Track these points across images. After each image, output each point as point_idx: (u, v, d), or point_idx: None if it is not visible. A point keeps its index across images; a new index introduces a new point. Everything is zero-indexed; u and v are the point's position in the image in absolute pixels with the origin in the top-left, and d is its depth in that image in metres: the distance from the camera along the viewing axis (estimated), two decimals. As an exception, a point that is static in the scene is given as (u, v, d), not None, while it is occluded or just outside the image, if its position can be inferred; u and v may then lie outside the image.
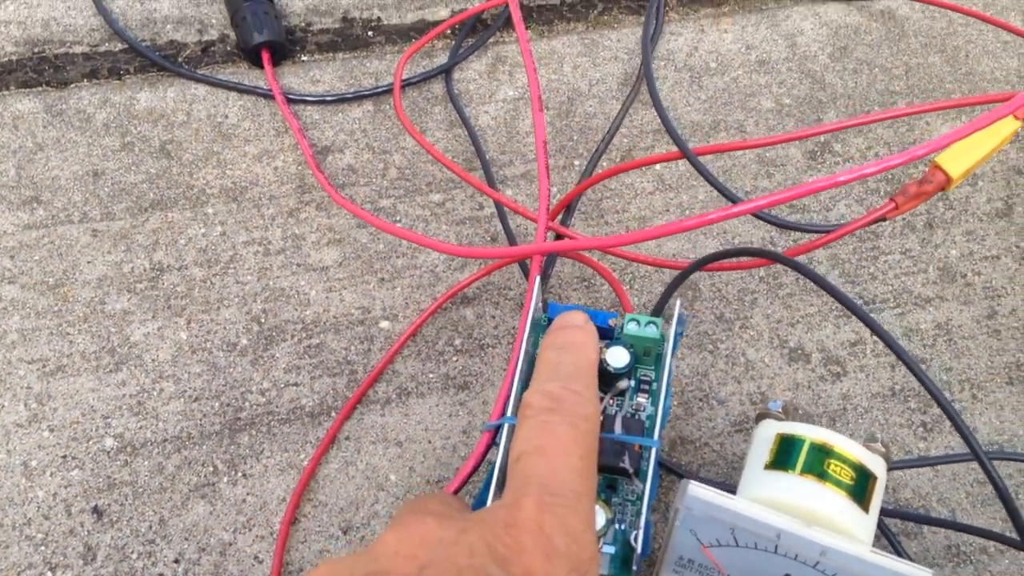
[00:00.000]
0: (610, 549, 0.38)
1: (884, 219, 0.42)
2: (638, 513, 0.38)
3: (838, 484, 0.36)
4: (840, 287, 0.54)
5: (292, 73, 0.62)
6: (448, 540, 0.30)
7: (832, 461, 0.37)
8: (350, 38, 0.65)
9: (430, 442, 0.49)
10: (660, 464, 0.47)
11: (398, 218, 0.56)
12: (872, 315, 0.52)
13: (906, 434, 0.49)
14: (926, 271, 0.55)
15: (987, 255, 0.56)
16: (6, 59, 0.61)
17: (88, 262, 0.53)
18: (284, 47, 0.62)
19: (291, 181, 0.57)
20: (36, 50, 0.62)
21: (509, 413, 0.38)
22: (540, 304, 0.42)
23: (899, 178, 0.59)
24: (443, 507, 0.33)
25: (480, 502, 0.37)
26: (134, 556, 0.45)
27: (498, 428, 0.39)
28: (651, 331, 0.40)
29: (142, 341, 0.51)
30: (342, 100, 0.61)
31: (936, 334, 0.53)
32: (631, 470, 0.37)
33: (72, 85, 0.61)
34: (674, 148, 0.56)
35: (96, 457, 0.47)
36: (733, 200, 0.51)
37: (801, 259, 0.53)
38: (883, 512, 0.42)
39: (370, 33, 0.65)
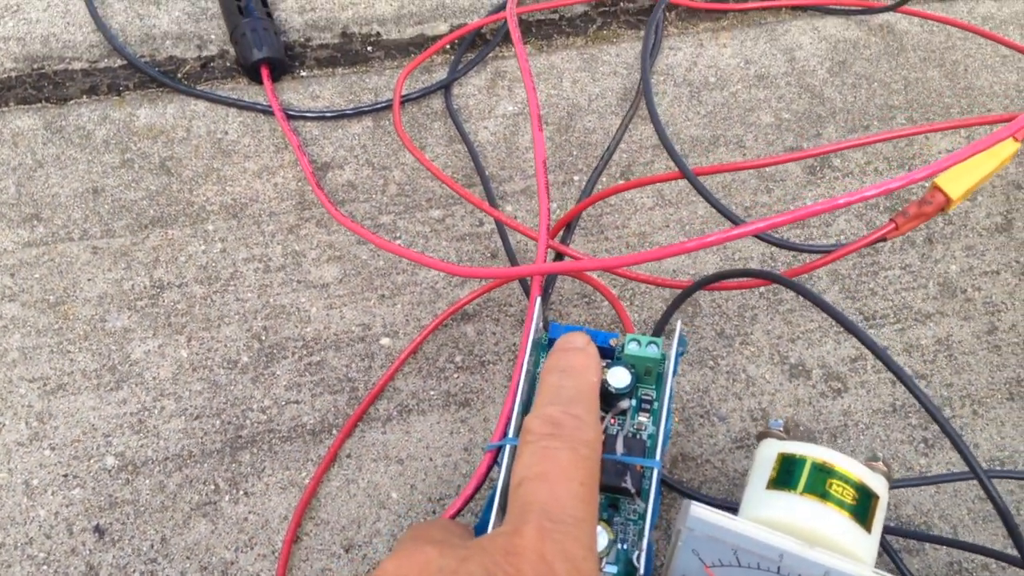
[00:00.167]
0: (612, 569, 0.38)
1: (884, 239, 0.42)
2: (640, 533, 0.38)
3: (840, 504, 0.36)
4: (840, 302, 0.54)
5: (292, 89, 0.62)
6: (448, 569, 0.30)
7: (834, 481, 0.37)
8: (349, 53, 0.65)
9: (431, 460, 0.49)
10: (662, 482, 0.47)
11: (398, 234, 0.56)
12: (872, 331, 0.53)
13: (907, 450, 0.50)
14: (926, 286, 0.55)
15: (987, 270, 0.56)
16: (5, 75, 0.62)
17: (88, 280, 0.53)
18: (283, 63, 0.62)
19: (291, 197, 0.57)
20: (35, 66, 0.62)
21: (511, 434, 0.38)
22: (541, 324, 0.42)
23: (899, 193, 0.59)
24: (444, 534, 0.33)
25: (482, 524, 0.37)
26: (136, 575, 0.45)
27: (499, 449, 0.39)
28: (652, 351, 0.40)
29: (143, 359, 0.51)
30: (342, 116, 0.61)
31: (936, 350, 0.53)
32: (633, 490, 0.37)
33: (72, 101, 0.61)
34: (674, 164, 0.56)
35: (97, 476, 0.47)
36: (733, 220, 0.51)
37: (801, 276, 0.53)
38: (884, 529, 0.42)
39: (369, 48, 0.65)
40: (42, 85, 0.61)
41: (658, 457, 0.38)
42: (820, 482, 0.37)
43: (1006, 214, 0.59)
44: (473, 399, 0.50)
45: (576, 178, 0.59)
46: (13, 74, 0.62)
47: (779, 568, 0.35)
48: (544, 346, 0.43)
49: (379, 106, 0.61)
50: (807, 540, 0.35)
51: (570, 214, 0.52)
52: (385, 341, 0.52)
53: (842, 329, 0.53)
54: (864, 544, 0.36)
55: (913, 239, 0.57)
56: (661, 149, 0.60)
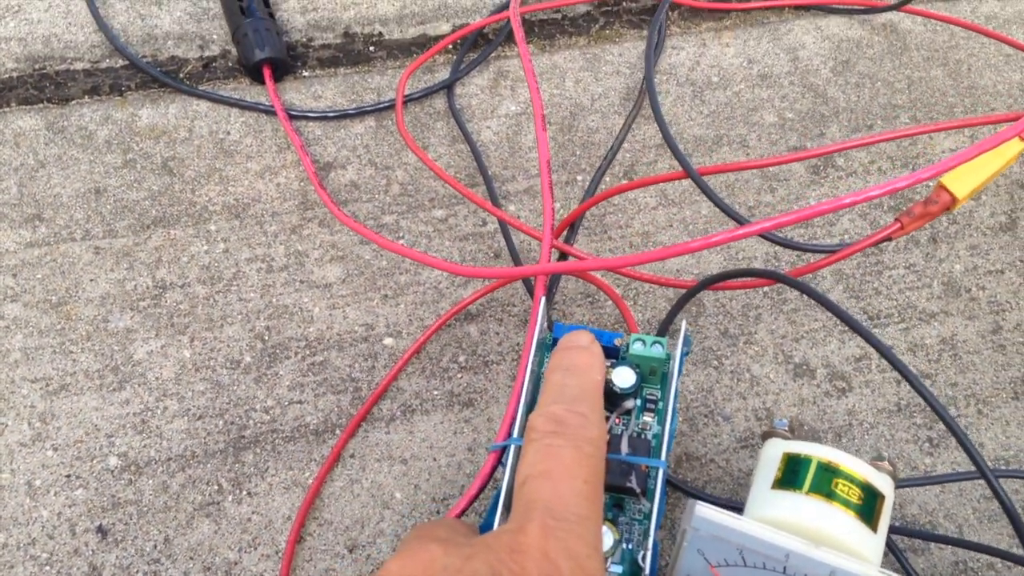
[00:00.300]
0: (617, 569, 0.37)
1: (889, 239, 0.42)
2: (645, 533, 0.38)
3: (846, 504, 0.36)
4: (844, 302, 0.54)
5: (294, 89, 0.62)
6: (453, 567, 0.30)
7: (839, 480, 0.37)
8: (351, 53, 0.65)
9: (435, 460, 0.48)
10: (667, 482, 0.47)
11: (401, 234, 0.56)
12: (876, 331, 0.53)
13: (912, 450, 0.49)
14: (930, 286, 0.55)
15: (991, 269, 0.56)
16: (7, 76, 0.61)
17: (91, 280, 0.53)
18: (285, 63, 0.62)
19: (294, 198, 0.57)
20: (37, 67, 0.62)
21: (515, 434, 0.38)
22: (545, 324, 0.42)
23: (903, 193, 0.59)
24: (449, 533, 0.33)
25: (487, 525, 0.37)
26: (139, 575, 0.45)
27: (504, 449, 0.39)
28: (657, 351, 0.40)
29: (145, 359, 0.51)
30: (344, 116, 0.61)
31: (941, 349, 0.53)
32: (638, 490, 0.37)
33: (73, 102, 0.61)
34: (677, 164, 0.56)
35: (100, 476, 0.47)
36: (738, 220, 0.51)
37: (805, 275, 0.53)
38: (890, 529, 0.42)
39: (371, 48, 0.65)
40: (44, 85, 0.61)
41: (663, 457, 0.38)
42: (826, 482, 0.37)
43: (1010, 213, 0.59)
44: (477, 399, 0.50)
45: (579, 178, 0.59)
46: (15, 74, 0.62)
47: (785, 568, 0.35)
48: (548, 346, 0.43)
49: (381, 106, 0.61)
50: (813, 540, 0.35)
51: (574, 214, 0.51)
52: (388, 341, 0.52)
53: (846, 329, 0.53)
54: (870, 544, 0.36)
55: (917, 238, 0.57)
56: (664, 149, 0.60)
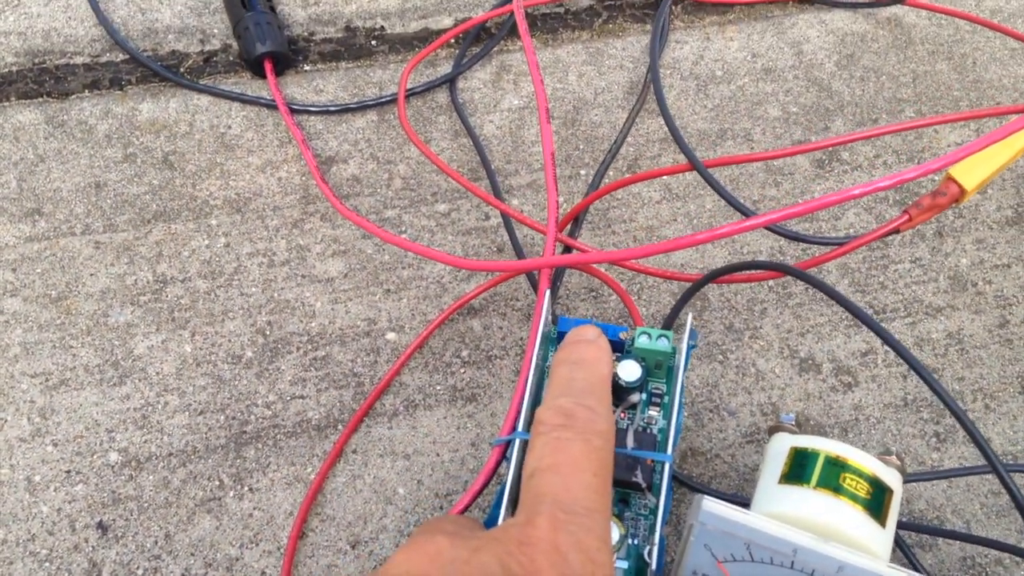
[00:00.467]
0: (623, 564, 0.37)
1: (897, 231, 0.42)
2: (652, 528, 0.38)
3: (854, 498, 0.36)
4: (850, 296, 0.54)
5: (295, 83, 0.62)
6: (460, 559, 0.30)
7: (847, 475, 0.36)
8: (353, 47, 0.64)
9: (438, 455, 0.48)
10: (672, 477, 0.46)
11: (403, 229, 0.55)
12: (883, 325, 0.52)
13: (919, 445, 0.49)
14: (937, 280, 0.55)
15: (998, 263, 0.56)
16: (6, 70, 0.61)
17: (91, 274, 0.53)
18: (287, 57, 0.62)
19: (295, 192, 0.56)
20: (37, 61, 0.62)
21: (520, 428, 0.38)
22: (549, 318, 0.42)
23: (909, 186, 0.59)
24: (456, 527, 0.33)
25: (492, 518, 0.36)
26: (139, 572, 0.44)
27: (508, 444, 0.38)
28: (663, 344, 0.40)
29: (146, 354, 0.50)
30: (346, 110, 0.60)
31: (948, 344, 0.52)
32: (644, 484, 0.37)
33: (73, 96, 0.60)
34: (681, 157, 0.56)
35: (100, 472, 0.47)
36: (744, 213, 0.51)
37: (811, 269, 0.52)
38: (898, 524, 0.42)
39: (373, 42, 0.65)
40: (43, 80, 0.61)
41: (669, 451, 0.38)
42: (833, 476, 0.36)
43: (1017, 207, 0.58)
44: (480, 394, 0.50)
45: (583, 172, 0.58)
46: (14, 68, 0.61)
47: (793, 563, 0.35)
48: (553, 340, 0.43)
49: (383, 100, 0.61)
50: (821, 535, 0.35)
51: (577, 208, 0.51)
52: (391, 336, 0.52)
53: (852, 323, 0.53)
54: (879, 539, 0.35)
55: (923, 232, 0.57)
56: (668, 142, 0.60)
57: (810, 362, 0.51)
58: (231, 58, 0.63)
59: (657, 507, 0.37)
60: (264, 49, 0.60)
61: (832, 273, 0.55)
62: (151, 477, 0.47)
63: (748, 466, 0.48)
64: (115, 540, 0.45)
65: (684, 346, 0.40)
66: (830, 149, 0.60)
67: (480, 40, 0.65)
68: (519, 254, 0.54)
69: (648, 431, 0.39)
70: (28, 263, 0.53)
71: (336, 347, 0.51)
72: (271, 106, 0.60)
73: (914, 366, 0.36)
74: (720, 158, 0.48)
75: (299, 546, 0.45)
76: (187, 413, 0.49)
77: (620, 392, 0.39)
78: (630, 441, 0.38)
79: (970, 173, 0.41)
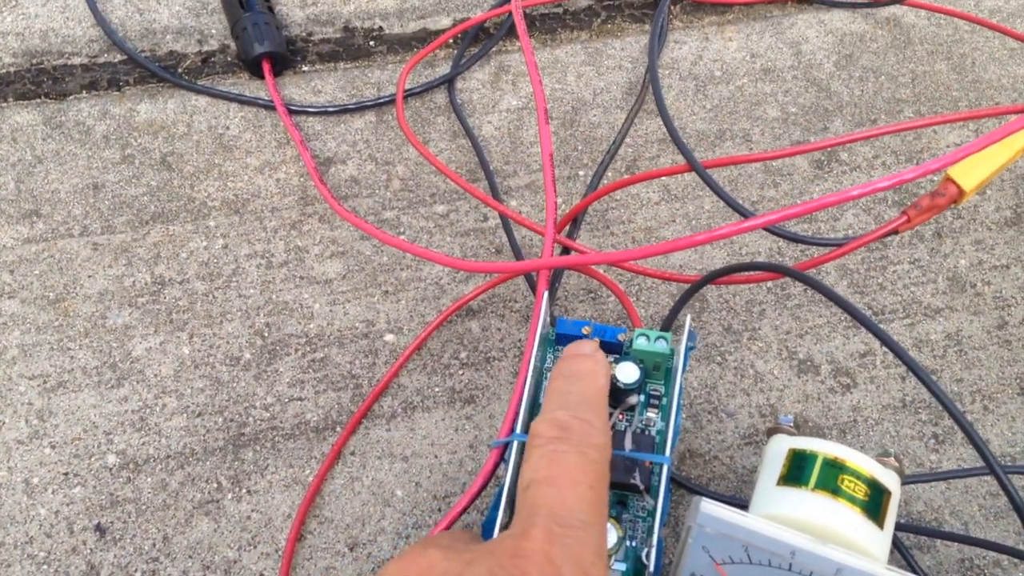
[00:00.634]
0: (621, 567, 0.37)
1: (896, 232, 0.42)
2: (649, 530, 0.38)
3: (852, 500, 0.36)
4: (848, 297, 0.54)
5: (293, 84, 0.62)
6: (453, 571, 0.30)
7: (846, 477, 0.36)
8: (351, 48, 0.64)
9: (436, 457, 0.48)
10: (670, 479, 0.46)
11: (402, 230, 0.55)
12: (881, 326, 0.52)
13: (917, 446, 0.49)
14: (935, 281, 0.55)
15: (996, 264, 0.56)
16: (4, 71, 0.61)
17: (89, 276, 0.53)
18: (285, 57, 0.61)
19: (293, 193, 0.56)
20: (34, 61, 0.62)
21: (518, 430, 0.38)
22: (548, 320, 0.42)
23: (908, 186, 0.59)
24: (451, 541, 0.33)
25: (489, 521, 0.36)
26: (138, 575, 0.44)
27: (506, 445, 0.38)
28: (661, 346, 0.40)
29: (144, 356, 0.50)
30: (344, 111, 0.60)
31: (946, 345, 0.52)
32: (642, 487, 0.37)
33: (71, 97, 0.60)
34: (680, 157, 0.56)
35: (98, 474, 0.47)
36: (743, 213, 0.51)
37: (810, 270, 0.52)
38: (896, 526, 0.41)
39: (371, 43, 0.64)
40: (41, 80, 0.61)
41: (667, 453, 0.38)
42: (832, 478, 0.36)
43: (1015, 208, 0.58)
44: (478, 396, 0.50)
45: (581, 173, 0.58)
46: (12, 69, 0.61)
47: (791, 565, 0.35)
48: (551, 342, 0.43)
49: (382, 101, 0.61)
50: (819, 537, 0.35)
51: (576, 208, 0.51)
52: (389, 337, 0.51)
53: (851, 324, 0.53)
54: (877, 540, 0.35)
55: (922, 233, 0.57)
56: (667, 143, 0.60)
57: (808, 363, 0.51)
58: (229, 59, 0.63)
59: (655, 509, 0.37)
60: (262, 49, 0.60)
61: (831, 274, 0.55)
62: (149, 479, 0.47)
63: (746, 468, 0.48)
64: (113, 542, 0.45)
65: (682, 347, 0.40)
66: (829, 150, 0.60)
67: (479, 40, 0.65)
68: (517, 255, 0.54)
69: (646, 433, 0.39)
70: (26, 265, 0.53)
71: (334, 349, 0.51)
72: (269, 107, 0.60)
73: (912, 367, 0.36)
74: (719, 159, 0.48)
75: (297, 548, 0.45)
76: (185, 415, 0.49)
77: (618, 394, 0.39)
78: (628, 443, 0.38)
79: (969, 174, 0.41)
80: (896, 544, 0.45)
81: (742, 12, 0.68)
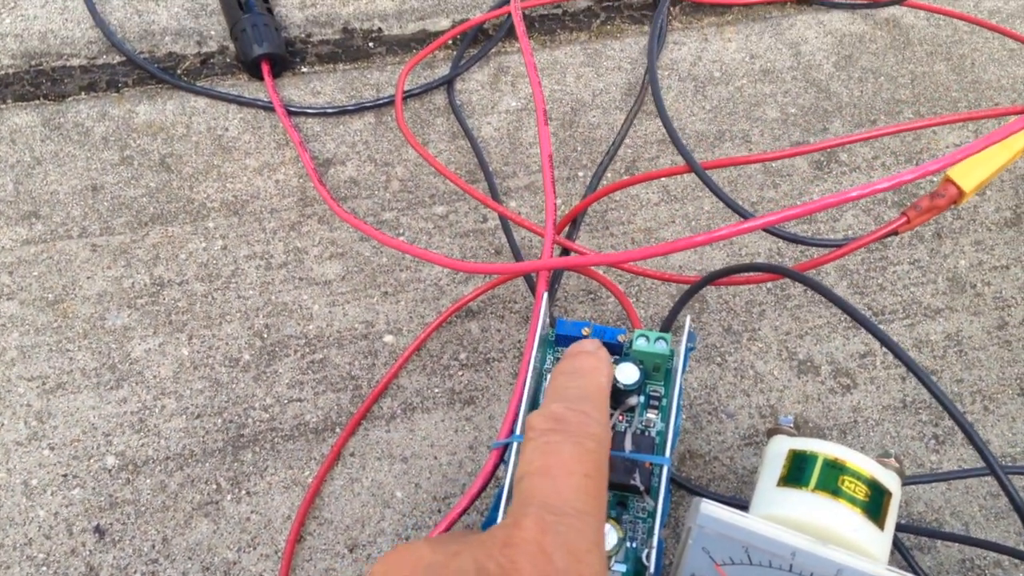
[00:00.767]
0: (621, 568, 0.37)
1: (896, 233, 0.42)
2: (650, 531, 0.37)
3: (852, 501, 0.36)
4: (848, 298, 0.54)
5: (292, 85, 0.62)
6: (438, 563, 0.30)
7: (846, 477, 0.36)
8: (351, 49, 0.64)
9: (436, 458, 0.48)
10: (670, 480, 0.46)
11: (401, 231, 0.55)
12: (881, 327, 0.52)
13: (918, 447, 0.49)
14: (935, 281, 0.55)
15: (996, 265, 0.55)
16: (3, 72, 0.61)
17: (88, 277, 0.53)
18: (284, 59, 0.61)
19: (292, 194, 0.56)
20: (33, 63, 0.62)
21: (518, 431, 0.38)
22: (547, 321, 0.42)
23: (907, 187, 0.59)
24: (444, 536, 0.33)
25: (490, 521, 0.36)
26: (136, 577, 0.44)
27: (507, 446, 0.38)
28: (661, 347, 0.40)
29: (143, 357, 0.50)
30: (343, 112, 0.60)
31: (946, 345, 0.52)
32: (642, 488, 0.37)
33: (70, 98, 0.60)
34: (679, 158, 0.56)
35: (97, 475, 0.47)
36: (742, 214, 0.51)
37: (810, 271, 0.52)
38: (896, 527, 0.41)
39: (371, 44, 0.64)
40: (40, 82, 0.61)
41: (667, 454, 0.38)
42: (832, 479, 0.36)
43: (1015, 208, 0.58)
44: (478, 397, 0.50)
45: (580, 174, 0.58)
46: (11, 71, 0.61)
47: (791, 566, 0.35)
48: (550, 343, 0.42)
49: (381, 102, 0.61)
50: (819, 537, 0.34)
51: (575, 210, 0.51)
52: (388, 338, 0.51)
53: (850, 325, 0.53)
54: (877, 541, 0.35)
55: (922, 234, 0.57)
56: (666, 144, 0.60)
57: (808, 364, 0.51)
58: (228, 60, 0.63)
59: (655, 510, 0.37)
60: (261, 51, 0.60)
61: (831, 275, 0.55)
62: (148, 481, 0.47)
63: (747, 468, 0.48)
64: (112, 544, 0.45)
65: (682, 348, 0.40)
66: (828, 150, 0.60)
67: (478, 42, 0.65)
68: (517, 256, 0.54)
69: (646, 434, 0.39)
70: (25, 266, 0.53)
71: (334, 350, 0.51)
72: (268, 108, 0.60)
73: (912, 368, 0.36)
74: (718, 160, 0.48)
75: (297, 550, 0.45)
76: (184, 416, 0.49)
77: (618, 395, 0.39)
78: (628, 444, 0.38)
79: (968, 174, 0.41)
80: (897, 545, 0.45)
81: (741, 13, 0.68)
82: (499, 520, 0.35)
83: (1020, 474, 0.48)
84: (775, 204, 0.57)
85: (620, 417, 0.40)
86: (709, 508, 0.35)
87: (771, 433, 0.40)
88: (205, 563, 0.45)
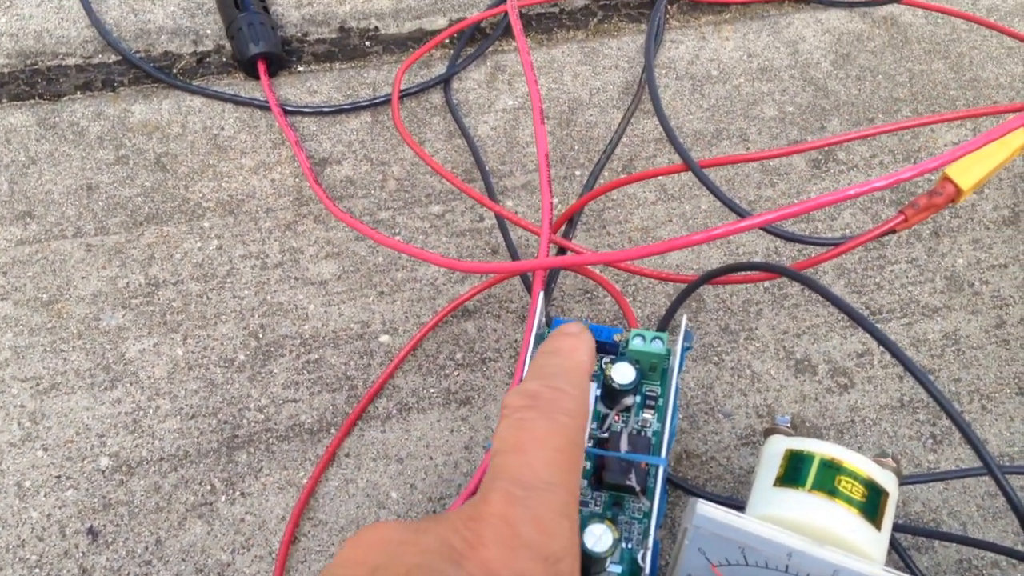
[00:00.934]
0: (617, 568, 0.37)
1: (893, 232, 0.42)
2: (645, 532, 0.37)
3: (849, 501, 0.35)
4: (846, 297, 0.53)
5: (289, 84, 0.61)
6: (404, 541, 0.29)
7: (843, 477, 0.36)
8: (347, 48, 0.64)
9: (431, 458, 0.48)
10: (667, 480, 0.46)
11: (397, 230, 0.55)
12: (879, 326, 0.52)
13: (915, 446, 0.49)
14: (933, 280, 0.54)
15: (994, 264, 0.55)
16: (-1, 72, 0.61)
17: (82, 278, 0.52)
18: (280, 58, 0.61)
19: (288, 194, 0.56)
20: (28, 62, 0.61)
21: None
22: (544, 320, 0.41)
23: (905, 186, 0.58)
24: (419, 519, 0.32)
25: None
26: (130, 578, 0.44)
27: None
28: (657, 346, 0.39)
29: (137, 358, 0.50)
30: (339, 111, 0.60)
31: (944, 344, 0.52)
32: (638, 488, 0.37)
33: (65, 98, 0.60)
34: (676, 157, 0.56)
35: (91, 477, 0.47)
36: (740, 214, 0.50)
37: (807, 270, 0.52)
38: (893, 527, 0.41)
39: (367, 43, 0.64)
40: (35, 81, 0.61)
41: (663, 454, 0.38)
42: (829, 479, 0.36)
43: (1013, 207, 0.58)
44: (474, 397, 0.50)
45: (577, 173, 0.58)
46: (6, 70, 0.61)
47: (787, 567, 0.34)
48: (546, 342, 0.42)
49: (377, 101, 0.60)
50: (816, 538, 0.34)
51: (572, 208, 0.51)
52: (384, 338, 0.51)
53: (848, 324, 0.52)
54: (874, 542, 0.35)
55: (919, 233, 0.56)
56: (663, 143, 0.60)
57: (806, 363, 0.51)
58: (224, 59, 0.63)
59: (651, 511, 0.36)
60: (257, 50, 0.59)
61: (828, 274, 0.54)
62: (142, 482, 0.46)
63: (743, 468, 0.48)
64: (105, 546, 0.45)
65: (679, 348, 0.39)
66: (826, 149, 0.60)
67: (474, 40, 0.65)
68: (513, 256, 0.53)
69: (642, 434, 0.39)
70: (19, 266, 0.53)
71: (329, 350, 0.51)
72: (264, 107, 0.60)
73: (909, 367, 0.36)
74: (715, 158, 0.48)
75: (291, 551, 0.45)
76: (179, 417, 0.48)
77: (614, 395, 0.39)
78: (624, 444, 0.37)
79: (966, 173, 0.41)
80: (894, 545, 0.45)
81: (739, 11, 0.67)
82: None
83: (1018, 474, 0.48)
84: (773, 203, 0.57)
85: (616, 417, 0.40)
86: (705, 508, 0.35)
87: (768, 433, 0.40)
88: (199, 565, 0.44)
